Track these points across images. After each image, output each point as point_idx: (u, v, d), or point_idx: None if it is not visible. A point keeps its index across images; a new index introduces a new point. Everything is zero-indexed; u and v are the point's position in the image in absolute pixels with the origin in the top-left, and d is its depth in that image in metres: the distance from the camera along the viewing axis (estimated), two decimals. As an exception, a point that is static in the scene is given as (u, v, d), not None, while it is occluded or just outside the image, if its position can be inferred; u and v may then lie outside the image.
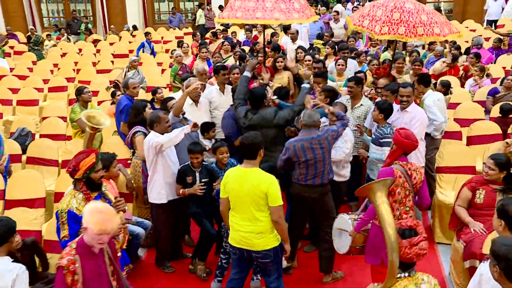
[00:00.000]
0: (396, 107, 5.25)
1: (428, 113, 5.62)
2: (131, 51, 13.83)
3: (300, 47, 8.79)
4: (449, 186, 5.51)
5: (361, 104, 5.72)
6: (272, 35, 10.95)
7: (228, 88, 6.31)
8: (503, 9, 14.88)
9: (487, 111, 7.53)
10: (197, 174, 4.76)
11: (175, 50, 9.95)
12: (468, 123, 7.02)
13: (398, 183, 3.77)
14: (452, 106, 7.58)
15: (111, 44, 14.97)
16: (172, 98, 5.68)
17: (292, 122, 5.26)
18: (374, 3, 5.89)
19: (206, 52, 9.08)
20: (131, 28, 16.94)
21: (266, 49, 8.07)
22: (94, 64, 12.33)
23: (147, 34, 14.06)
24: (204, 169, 4.80)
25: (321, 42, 10.69)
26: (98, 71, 11.74)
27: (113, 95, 7.31)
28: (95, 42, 15.21)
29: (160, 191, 4.74)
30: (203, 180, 4.72)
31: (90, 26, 16.25)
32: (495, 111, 6.94)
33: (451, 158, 5.57)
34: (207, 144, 5.57)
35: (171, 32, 16.42)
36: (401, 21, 5.49)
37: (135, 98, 6.31)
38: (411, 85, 5.16)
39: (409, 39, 5.63)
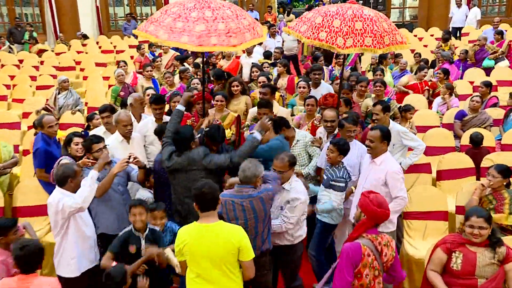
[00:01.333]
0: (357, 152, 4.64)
1: (406, 141, 5.15)
2: (78, 63, 12.77)
3: (254, 65, 7.98)
4: (419, 234, 4.83)
5: (297, 140, 5.05)
6: (210, 55, 9.62)
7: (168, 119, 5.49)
8: (467, 16, 14.63)
9: (456, 136, 6.95)
10: (143, 242, 3.85)
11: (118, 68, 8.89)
12: (437, 151, 6.42)
13: (366, 263, 3.03)
14: (419, 129, 6.95)
15: (58, 54, 13.84)
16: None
17: (227, 171, 4.51)
18: (324, 12, 5.07)
19: (151, 71, 8.17)
20: (82, 36, 15.77)
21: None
22: (35, 78, 11.19)
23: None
24: (150, 233, 3.89)
25: (269, 61, 9.40)
26: (38, 87, 10.63)
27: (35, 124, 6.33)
28: (41, 52, 14.00)
29: (69, 261, 3.86)
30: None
31: (35, 34, 14.96)
32: (466, 139, 6.34)
33: (420, 201, 4.89)
34: (149, 195, 4.81)
35: (125, 41, 15.31)
36: (365, 30, 4.84)
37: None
38: (382, 130, 4.25)
39: (378, 51, 4.99)
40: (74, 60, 12.99)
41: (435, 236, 4.72)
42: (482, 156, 5.75)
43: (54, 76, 11.44)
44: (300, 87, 6.68)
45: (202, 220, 3.22)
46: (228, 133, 6.24)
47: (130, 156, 4.23)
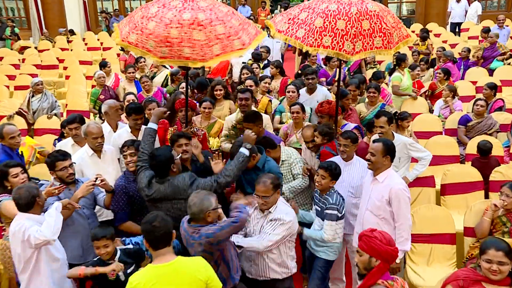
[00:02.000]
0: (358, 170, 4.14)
1: (413, 152, 4.74)
2: (61, 61, 12.17)
3: (245, 66, 7.44)
4: (423, 260, 4.33)
5: (282, 161, 4.46)
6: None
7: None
8: (467, 11, 14.15)
9: (460, 143, 6.46)
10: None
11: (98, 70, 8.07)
12: (441, 161, 5.94)
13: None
14: (420, 135, 6.46)
15: (42, 51, 13.23)
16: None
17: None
18: (323, 11, 4.27)
19: (133, 73, 7.61)
20: (68, 32, 15.11)
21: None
22: (14, 78, 10.60)
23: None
24: (124, 255, 3.46)
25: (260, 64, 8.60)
26: (17, 88, 10.06)
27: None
28: (23, 49, 13.39)
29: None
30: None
31: (17, 30, 14.33)
32: (472, 147, 5.85)
33: (424, 222, 4.39)
34: None
35: (113, 38, 14.59)
36: (374, 30, 4.20)
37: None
38: (386, 143, 3.73)
39: (390, 52, 4.35)
40: (57, 57, 12.40)
41: (441, 262, 4.26)
42: (491, 167, 5.26)
43: (34, 75, 10.86)
44: (288, 92, 6.15)
45: (157, 260, 2.77)
46: (216, 141, 5.74)
47: (96, 178, 3.71)
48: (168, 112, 4.44)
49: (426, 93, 8.43)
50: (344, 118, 5.51)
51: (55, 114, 7.39)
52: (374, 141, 3.77)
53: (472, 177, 5.18)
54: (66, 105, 8.89)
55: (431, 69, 9.50)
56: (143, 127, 4.96)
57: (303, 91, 6.30)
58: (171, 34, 3.85)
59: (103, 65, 8.21)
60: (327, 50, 4.23)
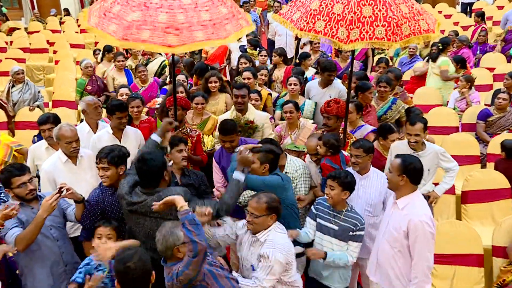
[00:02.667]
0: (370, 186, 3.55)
1: (444, 163, 4.11)
2: (52, 44, 11.51)
3: (243, 55, 6.78)
4: (445, 284, 3.78)
5: (286, 172, 3.83)
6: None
7: (130, 132, 4.41)
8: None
9: (479, 139, 5.88)
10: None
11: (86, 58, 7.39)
12: (460, 161, 5.35)
13: None
14: (433, 131, 5.87)
15: (31, 33, 12.54)
16: None
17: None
18: None
19: (122, 61, 6.99)
20: (63, 11, 14.32)
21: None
22: (-1, 62, 9.98)
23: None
24: None
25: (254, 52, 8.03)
26: (2, 74, 9.43)
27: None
28: (11, 31, 12.70)
29: None
30: None
31: (4, 10, 13.60)
32: (495, 146, 5.27)
33: (446, 241, 3.83)
34: None
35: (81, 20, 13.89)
36: (376, 18, 3.63)
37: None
38: (404, 160, 3.07)
39: (394, 44, 3.75)
40: (47, 40, 11.74)
41: (467, 287, 3.71)
42: (518, 169, 4.69)
43: (22, 60, 10.26)
44: (290, 84, 5.51)
45: None
46: (210, 140, 5.16)
47: (60, 188, 3.14)
48: (172, 122, 3.88)
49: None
50: (363, 115, 4.93)
51: (38, 106, 6.82)
52: (396, 156, 3.17)
53: (498, 184, 4.61)
54: (53, 92, 8.29)
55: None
56: (128, 127, 4.41)
57: (315, 84, 5.67)
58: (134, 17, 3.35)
59: (108, 49, 7.60)
60: (318, 36, 3.72)
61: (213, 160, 4.25)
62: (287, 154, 3.95)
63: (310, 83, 5.75)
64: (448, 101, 7.17)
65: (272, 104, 5.80)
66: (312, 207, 3.43)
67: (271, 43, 9.47)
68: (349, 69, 4.41)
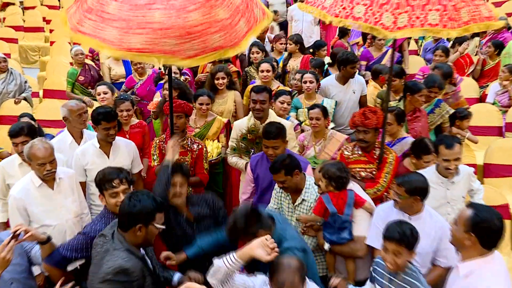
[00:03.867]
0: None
1: (474, 183, 3.42)
2: (48, 22, 10.68)
3: (255, 43, 5.94)
4: None
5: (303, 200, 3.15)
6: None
7: (121, 145, 3.67)
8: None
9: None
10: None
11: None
12: (506, 171, 4.61)
13: None
14: (472, 131, 5.08)
15: (27, 9, 11.67)
16: None
17: None
18: None
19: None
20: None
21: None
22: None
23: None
24: None
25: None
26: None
27: None
28: (4, 6, 11.82)
29: None
30: None
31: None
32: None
33: None
34: None
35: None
36: (429, 1, 2.92)
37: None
38: (480, 217, 2.26)
39: (451, 33, 2.97)
40: (44, 18, 10.91)
41: None
42: None
43: (13, 40, 9.46)
44: (305, 82, 4.75)
45: None
46: (216, 147, 4.42)
47: (15, 232, 2.43)
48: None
49: (472, 72, 6.94)
50: (409, 121, 4.17)
51: (25, 98, 6.08)
52: (469, 206, 2.36)
53: None
54: (46, 78, 7.54)
55: (477, 38, 7.90)
56: (118, 139, 3.66)
57: (332, 80, 4.89)
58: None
59: None
60: (358, 23, 2.97)
61: (248, 166, 3.64)
62: (306, 176, 3.20)
63: (326, 81, 4.97)
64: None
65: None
66: (371, 268, 2.66)
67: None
68: (382, 61, 3.63)
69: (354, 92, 4.83)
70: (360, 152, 3.55)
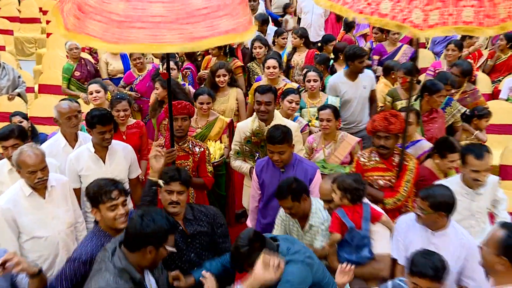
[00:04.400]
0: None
1: (499, 193, 3.21)
2: (45, 13, 10.39)
3: (258, 37, 5.68)
4: None
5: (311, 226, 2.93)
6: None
7: (118, 149, 3.45)
8: None
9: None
10: None
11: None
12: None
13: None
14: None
15: (23, -1, 11.37)
16: None
17: None
18: None
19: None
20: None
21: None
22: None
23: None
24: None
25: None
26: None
27: None
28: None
29: None
30: None
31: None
32: None
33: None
34: None
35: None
36: None
37: None
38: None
39: (487, 31, 2.66)
40: (40, 8, 10.61)
41: None
42: None
43: (9, 32, 9.18)
44: (309, 80, 4.54)
45: None
46: (218, 148, 4.21)
47: (4, 263, 2.21)
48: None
49: (483, 64, 6.68)
50: (425, 122, 3.94)
51: (19, 94, 5.84)
52: (502, 226, 2.13)
53: None
54: (41, 72, 7.29)
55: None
56: (115, 143, 3.43)
57: (341, 78, 4.67)
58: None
59: None
60: (385, 20, 2.65)
61: (253, 171, 3.41)
62: (312, 200, 2.93)
63: (335, 79, 4.74)
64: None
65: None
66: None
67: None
68: (395, 57, 3.43)
69: (364, 88, 4.63)
70: (377, 159, 3.29)
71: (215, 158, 4.09)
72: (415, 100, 4.28)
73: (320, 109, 3.85)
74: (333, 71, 5.35)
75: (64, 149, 3.49)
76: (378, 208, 2.84)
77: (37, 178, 2.84)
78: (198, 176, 3.61)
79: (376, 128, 3.15)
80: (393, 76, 5.14)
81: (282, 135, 3.08)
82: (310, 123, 4.38)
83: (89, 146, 3.35)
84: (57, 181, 3.03)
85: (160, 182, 2.73)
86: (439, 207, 2.50)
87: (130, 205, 3.43)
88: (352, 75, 4.60)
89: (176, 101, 3.45)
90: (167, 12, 2.36)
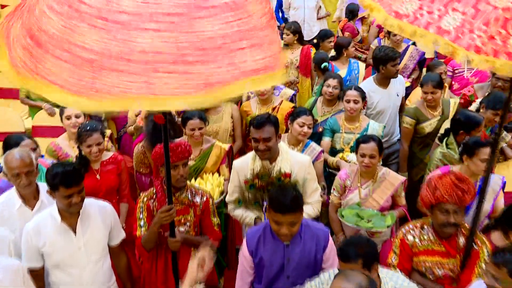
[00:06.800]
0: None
1: None
2: (3, 7, 9.20)
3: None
4: None
5: None
6: None
7: (93, 213, 2.57)
8: None
9: None
10: None
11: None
12: None
13: None
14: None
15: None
16: None
17: None
18: None
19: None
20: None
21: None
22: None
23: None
24: None
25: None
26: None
27: None
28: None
29: None
30: None
31: None
32: None
33: None
34: None
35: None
36: None
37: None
38: None
39: None
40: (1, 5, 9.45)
41: None
42: None
43: None
44: (328, 86, 3.92)
45: None
46: (217, 185, 3.43)
47: None
48: None
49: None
50: None
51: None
52: None
53: None
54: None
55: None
56: (88, 203, 2.55)
57: (371, 85, 4.04)
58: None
59: None
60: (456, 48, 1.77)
61: (243, 247, 2.48)
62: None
63: (365, 87, 3.94)
64: None
65: (288, 117, 3.90)
66: None
67: None
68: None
69: (397, 95, 4.03)
70: (433, 238, 2.44)
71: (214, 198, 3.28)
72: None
73: (362, 141, 3.04)
74: (324, 71, 4.57)
75: (19, 212, 2.59)
76: None
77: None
78: (201, 233, 2.82)
79: (443, 200, 2.30)
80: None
81: (295, 201, 2.22)
82: (340, 154, 3.61)
83: (53, 212, 2.43)
84: (4, 268, 2.12)
85: None
86: None
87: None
88: (384, 81, 3.99)
89: (172, 143, 2.58)
90: (166, 45, 1.49)
